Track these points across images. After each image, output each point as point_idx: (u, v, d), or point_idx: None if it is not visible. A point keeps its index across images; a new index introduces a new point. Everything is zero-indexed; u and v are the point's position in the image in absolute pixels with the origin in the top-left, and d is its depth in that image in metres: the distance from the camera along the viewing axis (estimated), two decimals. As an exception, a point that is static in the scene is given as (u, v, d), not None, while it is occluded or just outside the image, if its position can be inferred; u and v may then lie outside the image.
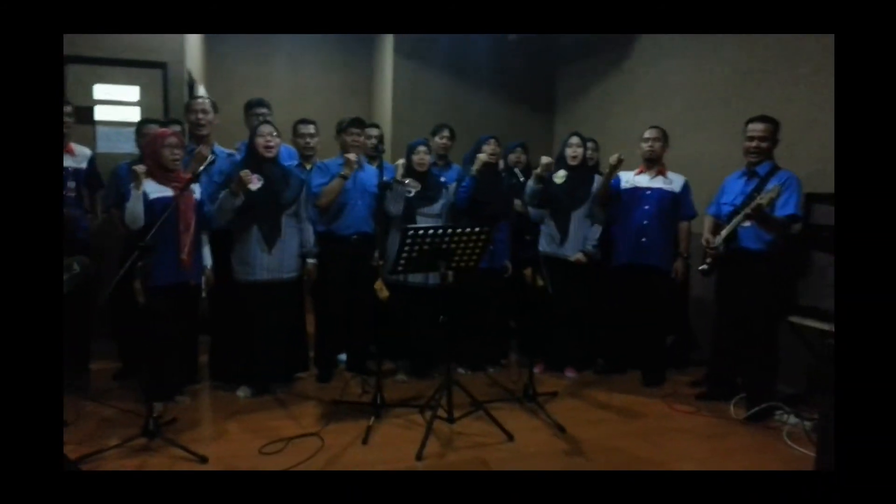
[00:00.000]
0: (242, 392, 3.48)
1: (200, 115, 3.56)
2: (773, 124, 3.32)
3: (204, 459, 2.67)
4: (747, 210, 3.14)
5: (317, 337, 3.84)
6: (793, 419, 3.31)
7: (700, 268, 3.52)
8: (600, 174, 4.04)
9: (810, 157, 3.56)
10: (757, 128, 3.33)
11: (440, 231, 2.91)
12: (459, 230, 2.96)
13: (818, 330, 3.23)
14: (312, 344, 3.88)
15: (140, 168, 3.00)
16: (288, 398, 3.50)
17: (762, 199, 3.08)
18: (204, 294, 3.41)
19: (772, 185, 3.15)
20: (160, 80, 4.69)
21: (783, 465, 2.88)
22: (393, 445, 2.92)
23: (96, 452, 2.66)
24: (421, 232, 2.89)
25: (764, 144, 3.32)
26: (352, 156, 3.46)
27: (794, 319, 3.37)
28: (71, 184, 3.51)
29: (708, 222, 3.60)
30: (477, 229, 2.99)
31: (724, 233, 3.36)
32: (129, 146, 4.13)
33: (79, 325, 3.61)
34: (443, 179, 3.97)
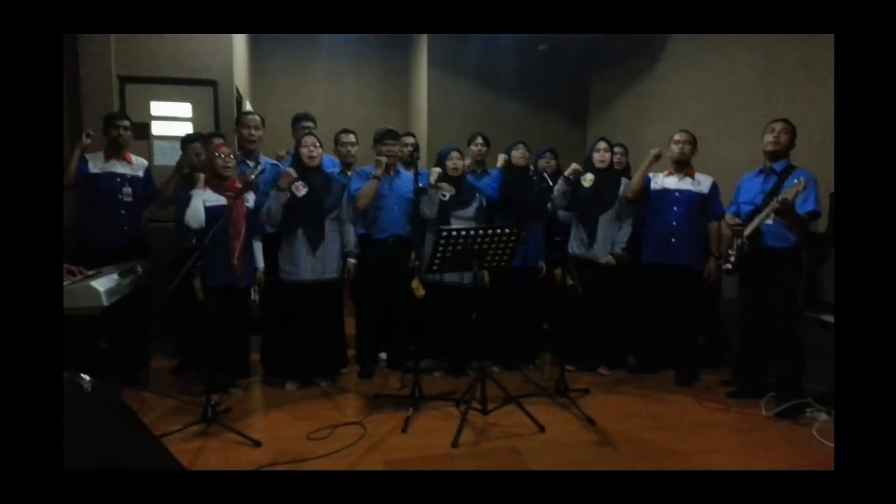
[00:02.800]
0: (290, 386, 3.71)
1: (253, 131, 3.84)
2: (791, 126, 3.44)
3: (258, 443, 2.91)
4: (774, 204, 3.22)
5: (357, 335, 4.07)
6: (823, 416, 3.35)
7: (724, 266, 3.61)
8: (628, 178, 4.15)
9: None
10: (777, 125, 3.46)
11: (472, 232, 3.10)
12: (490, 231, 3.14)
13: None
14: (353, 342, 4.10)
15: (201, 174, 3.31)
16: (332, 391, 3.73)
17: (788, 192, 3.16)
18: (255, 295, 3.66)
19: (794, 180, 3.22)
20: (211, 96, 5.03)
21: (811, 459, 2.93)
22: (430, 434, 3.10)
23: (160, 436, 2.91)
24: (454, 233, 3.08)
25: (784, 137, 3.42)
26: (382, 158, 3.72)
27: (819, 316, 3.42)
28: (127, 189, 3.81)
29: (730, 222, 3.67)
30: (507, 230, 3.16)
31: (748, 230, 3.45)
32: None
33: (139, 323, 3.91)
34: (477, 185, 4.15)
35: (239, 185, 3.40)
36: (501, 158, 4.00)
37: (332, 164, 4.08)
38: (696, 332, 4.20)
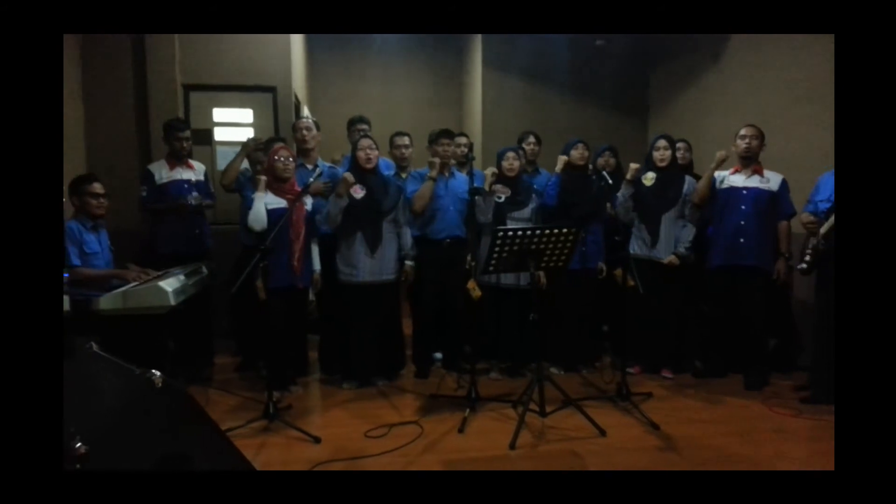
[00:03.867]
0: (347, 385, 3.76)
1: (305, 133, 3.93)
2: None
3: (318, 440, 2.95)
4: None
5: (414, 336, 4.09)
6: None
7: (798, 266, 3.44)
8: (693, 175, 4.01)
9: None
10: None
11: (529, 232, 3.05)
12: (548, 231, 3.08)
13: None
14: (410, 343, 4.12)
15: (262, 177, 3.39)
16: (389, 391, 3.75)
17: None
18: (312, 297, 3.72)
19: None
20: (270, 102, 5.15)
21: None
22: (487, 435, 3.08)
23: (225, 431, 2.99)
24: (510, 233, 3.04)
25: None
26: (436, 159, 3.71)
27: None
28: (195, 194, 3.95)
29: (805, 220, 3.50)
30: (565, 230, 3.10)
31: (824, 228, 3.27)
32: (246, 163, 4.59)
33: (204, 322, 4.04)
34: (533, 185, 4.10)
35: (298, 188, 3.46)
36: (561, 161, 3.91)
37: (387, 167, 4.11)
38: (766, 335, 4.01)
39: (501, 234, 3.02)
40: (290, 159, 3.48)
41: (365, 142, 3.65)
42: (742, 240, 3.73)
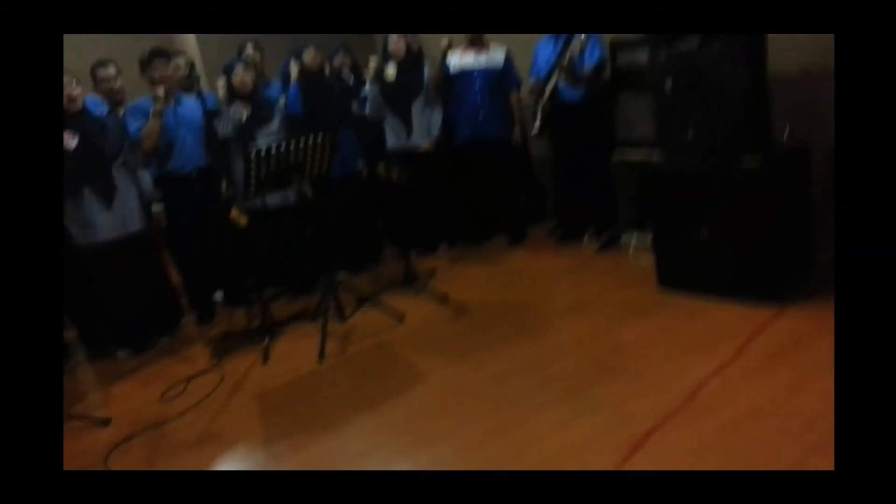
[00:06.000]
0: (122, 354, 3.36)
1: None
2: None
3: (106, 422, 2.64)
4: (562, 63, 3.47)
5: (185, 282, 3.73)
6: (634, 239, 3.80)
7: (532, 133, 3.85)
8: (429, 59, 4.12)
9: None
10: None
11: (282, 147, 2.88)
12: (302, 142, 2.94)
13: (638, 162, 3.69)
14: (183, 292, 3.78)
15: None
16: (174, 345, 3.45)
17: (573, 49, 3.42)
18: None
19: (576, 40, 3.47)
20: None
21: (630, 280, 3.32)
22: (293, 357, 3.04)
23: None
24: (263, 152, 2.84)
25: None
26: (159, 90, 3.25)
27: (619, 156, 3.79)
28: None
29: (531, 85, 3.86)
30: (319, 138, 2.99)
31: (547, 90, 3.67)
32: None
33: None
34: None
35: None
36: (294, 68, 3.69)
37: (96, 106, 3.50)
38: (518, 195, 4.46)
39: (255, 153, 2.81)
40: None
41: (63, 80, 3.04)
42: (480, 116, 4.01)
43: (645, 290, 3.12)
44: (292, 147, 2.94)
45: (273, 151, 2.88)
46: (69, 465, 2.36)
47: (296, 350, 3.11)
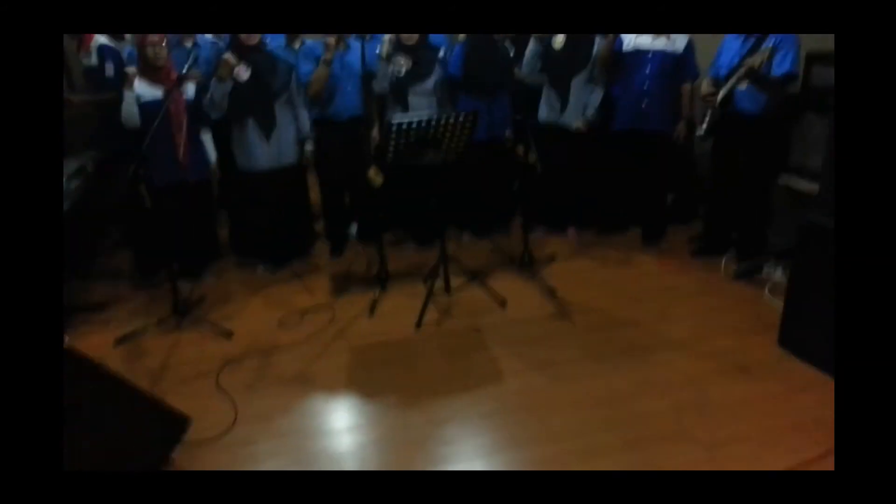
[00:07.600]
0: (263, 267, 3.80)
1: None
2: None
3: (229, 335, 3.06)
4: (740, 72, 3.09)
5: (324, 214, 4.05)
6: (778, 274, 3.45)
7: (697, 133, 3.51)
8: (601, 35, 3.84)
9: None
10: None
11: (424, 122, 2.92)
12: (444, 120, 2.95)
13: (803, 191, 3.28)
14: (321, 220, 4.10)
15: (131, 69, 3.08)
16: (304, 271, 3.82)
17: (753, 61, 3.02)
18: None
19: (766, 46, 3.03)
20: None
21: (757, 318, 3.09)
22: (395, 317, 3.25)
23: (133, 333, 3.06)
24: (404, 126, 2.88)
25: None
26: (331, 39, 3.39)
27: (785, 181, 3.40)
28: None
29: (706, 84, 3.49)
30: (461, 118, 2.98)
31: (720, 95, 3.29)
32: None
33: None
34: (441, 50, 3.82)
35: (174, 76, 3.16)
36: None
37: (273, 39, 3.75)
38: (665, 191, 4.18)
39: (396, 126, 2.89)
40: (164, 44, 3.13)
41: (246, 13, 3.29)
42: (644, 104, 3.72)
43: (767, 340, 2.88)
44: (433, 122, 2.97)
45: (414, 126, 2.93)
46: (190, 368, 2.82)
47: (399, 309, 3.31)
